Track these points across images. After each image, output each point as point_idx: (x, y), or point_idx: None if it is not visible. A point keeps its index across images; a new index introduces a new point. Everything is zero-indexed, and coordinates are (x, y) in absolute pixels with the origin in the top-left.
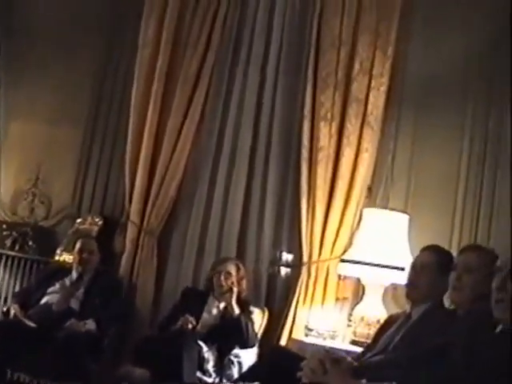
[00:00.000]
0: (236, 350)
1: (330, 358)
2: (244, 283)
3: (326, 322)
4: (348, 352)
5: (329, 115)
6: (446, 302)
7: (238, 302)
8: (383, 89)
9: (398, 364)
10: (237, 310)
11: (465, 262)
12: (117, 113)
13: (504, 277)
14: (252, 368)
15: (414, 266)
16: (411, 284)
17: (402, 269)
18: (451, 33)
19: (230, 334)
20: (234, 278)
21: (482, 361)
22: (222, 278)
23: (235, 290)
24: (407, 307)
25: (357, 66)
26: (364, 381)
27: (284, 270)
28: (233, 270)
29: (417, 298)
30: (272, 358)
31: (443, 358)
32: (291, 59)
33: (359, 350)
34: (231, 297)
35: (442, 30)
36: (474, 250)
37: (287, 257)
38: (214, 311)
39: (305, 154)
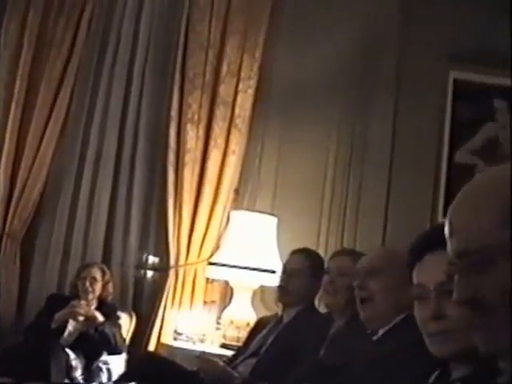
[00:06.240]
0: (104, 357)
1: None
2: (110, 287)
3: (195, 325)
4: (220, 356)
5: (196, 117)
6: (320, 305)
7: (104, 306)
8: (251, 91)
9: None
10: (100, 318)
11: (338, 266)
12: None
13: (363, 276)
14: (124, 375)
15: (285, 270)
16: (283, 288)
17: (273, 271)
18: (321, 37)
19: (97, 341)
20: (99, 283)
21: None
22: (88, 283)
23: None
24: (278, 310)
25: (225, 68)
26: None
27: (151, 274)
28: (98, 274)
29: (289, 302)
30: (144, 364)
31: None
32: (158, 61)
33: (230, 353)
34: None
35: (311, 34)
36: (347, 254)
37: (154, 260)
38: (81, 318)
39: (171, 156)
